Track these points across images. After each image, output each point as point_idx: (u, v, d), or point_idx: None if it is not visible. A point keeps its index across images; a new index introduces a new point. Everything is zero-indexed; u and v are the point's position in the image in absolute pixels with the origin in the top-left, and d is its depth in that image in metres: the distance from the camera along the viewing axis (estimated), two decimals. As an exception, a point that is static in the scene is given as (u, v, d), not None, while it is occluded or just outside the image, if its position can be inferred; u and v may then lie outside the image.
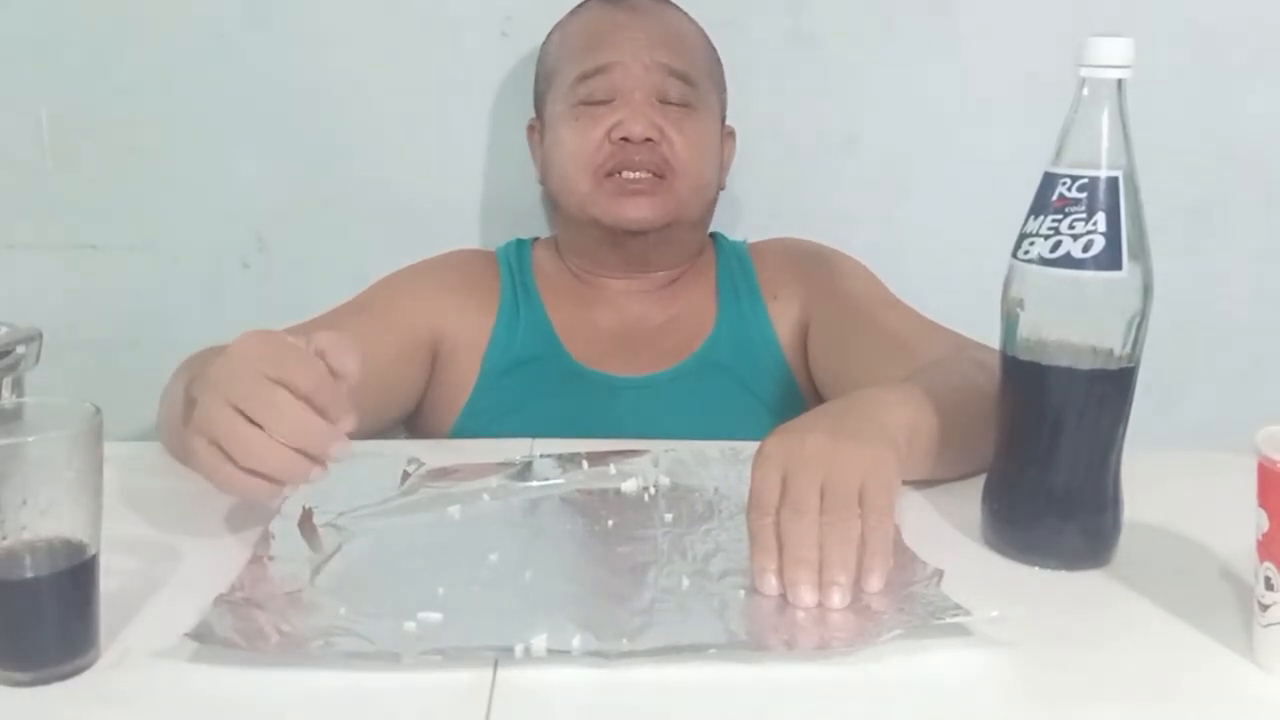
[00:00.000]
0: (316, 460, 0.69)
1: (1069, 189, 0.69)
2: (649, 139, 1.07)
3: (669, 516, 0.80)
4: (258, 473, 0.67)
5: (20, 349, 0.89)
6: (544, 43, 1.18)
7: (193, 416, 0.70)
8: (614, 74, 1.08)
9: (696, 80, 1.11)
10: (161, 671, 0.60)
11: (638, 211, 1.08)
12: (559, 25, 1.16)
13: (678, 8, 1.15)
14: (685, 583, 0.69)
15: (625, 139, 1.07)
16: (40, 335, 0.90)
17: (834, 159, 1.32)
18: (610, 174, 1.08)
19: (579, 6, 1.16)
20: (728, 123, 1.18)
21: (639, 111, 1.07)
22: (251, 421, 0.67)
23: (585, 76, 1.08)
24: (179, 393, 0.85)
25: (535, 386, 1.10)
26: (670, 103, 1.09)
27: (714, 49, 1.16)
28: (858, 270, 1.14)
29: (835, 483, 0.67)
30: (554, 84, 1.13)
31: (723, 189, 1.18)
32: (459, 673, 0.60)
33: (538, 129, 1.18)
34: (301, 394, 0.67)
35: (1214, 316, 1.35)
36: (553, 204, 1.16)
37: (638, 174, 1.07)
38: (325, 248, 1.33)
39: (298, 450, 0.68)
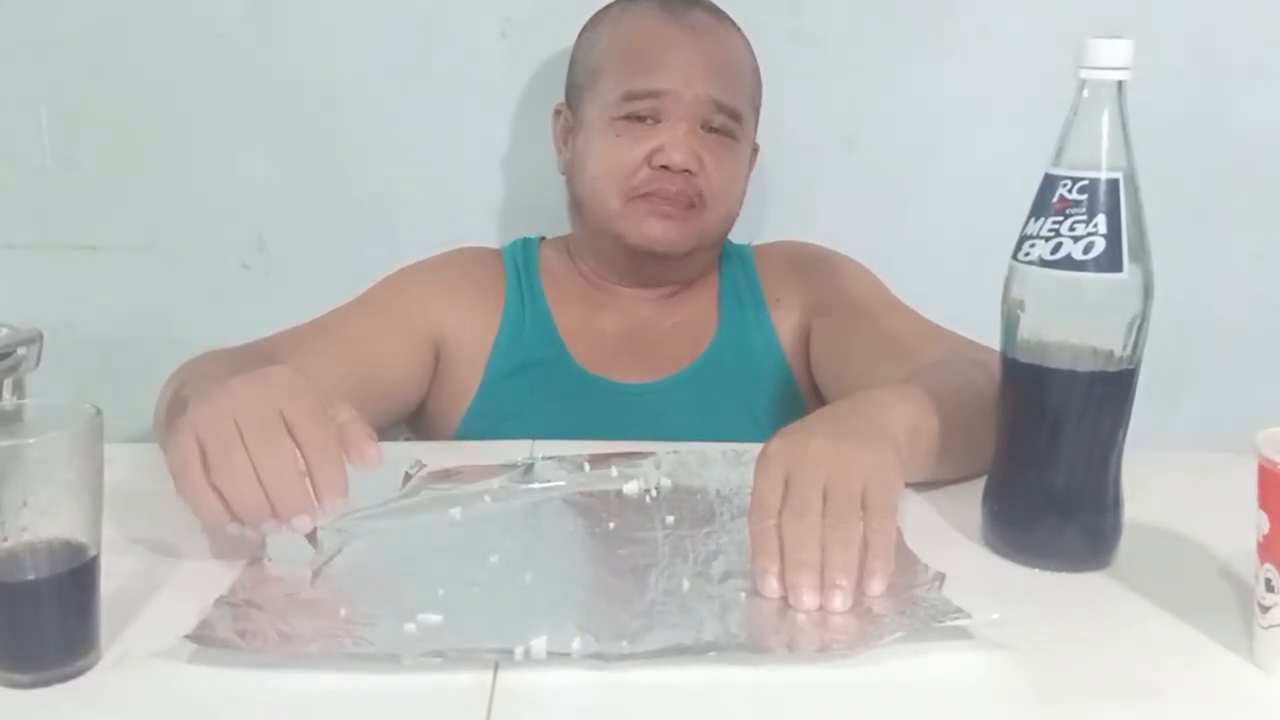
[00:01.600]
0: (277, 515, 0.67)
1: (1069, 191, 0.69)
2: (687, 169, 1.05)
3: (670, 519, 0.80)
4: (220, 494, 0.67)
5: (21, 350, 0.89)
6: (589, 31, 1.14)
7: (191, 411, 0.69)
8: (664, 100, 1.05)
9: (742, 114, 1.09)
10: (161, 673, 0.60)
11: (664, 236, 1.07)
12: (609, 18, 1.12)
13: (734, 26, 1.12)
14: (686, 585, 0.69)
15: (665, 166, 1.05)
16: (40, 336, 0.90)
17: (834, 159, 1.32)
18: (643, 196, 1.06)
19: (632, 2, 1.12)
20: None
21: (682, 141, 1.05)
22: (245, 448, 0.66)
23: (633, 96, 1.06)
24: (174, 391, 0.86)
25: (539, 391, 1.10)
26: (713, 129, 1.07)
27: (758, 72, 1.14)
28: (859, 273, 1.14)
29: (838, 485, 0.67)
30: (597, 86, 1.09)
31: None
32: (459, 675, 0.60)
33: (566, 118, 1.15)
34: (301, 451, 0.67)
35: (1214, 316, 1.35)
36: (576, 204, 1.14)
37: (669, 203, 1.06)
38: (325, 248, 1.33)
39: (268, 498, 0.66)
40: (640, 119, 1.06)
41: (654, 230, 1.07)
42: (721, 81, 1.07)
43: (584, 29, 1.15)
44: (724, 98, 1.07)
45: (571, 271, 1.17)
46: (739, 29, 1.13)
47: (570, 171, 1.14)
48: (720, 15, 1.12)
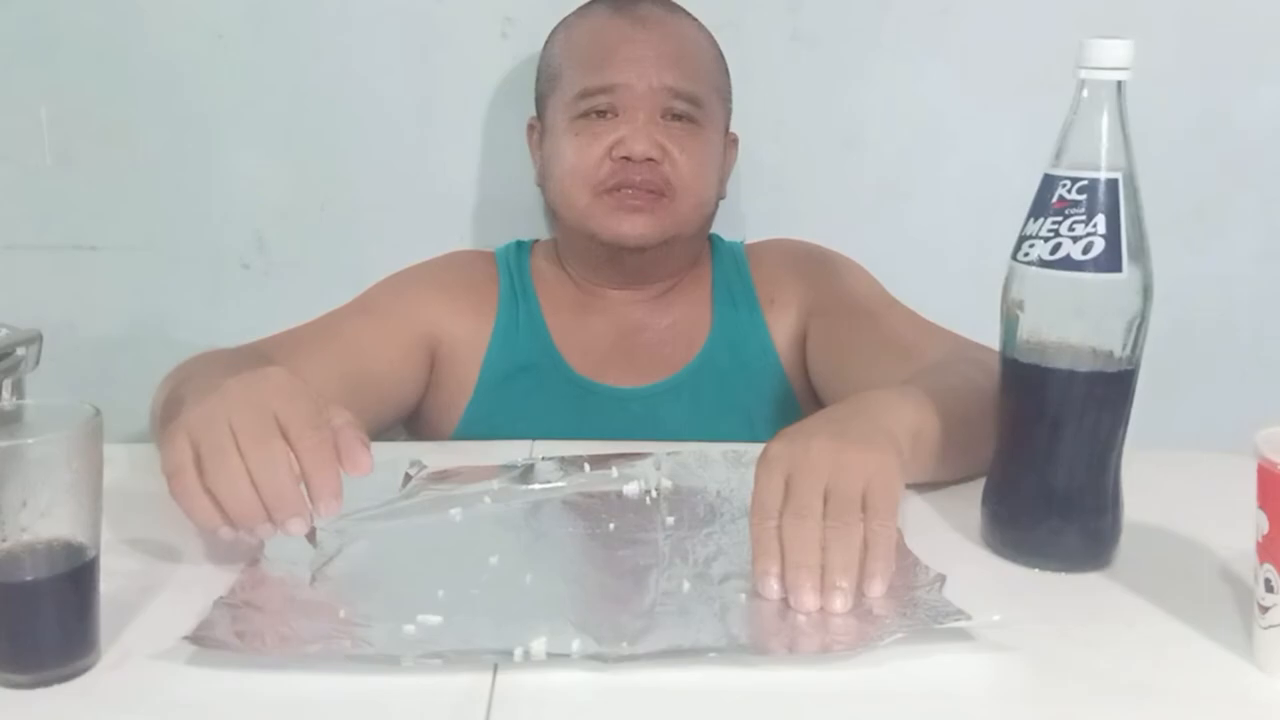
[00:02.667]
0: (273, 519, 0.67)
1: (1069, 191, 0.69)
2: (650, 158, 1.05)
3: (670, 519, 0.80)
4: (214, 497, 0.66)
5: (20, 350, 0.89)
6: (549, 40, 1.16)
7: (185, 413, 0.69)
8: (618, 94, 1.06)
9: (703, 99, 1.09)
10: (161, 674, 0.60)
11: (636, 229, 1.07)
12: (564, 25, 1.14)
13: (686, 15, 1.13)
14: (686, 586, 0.69)
15: (626, 157, 1.05)
16: (40, 337, 0.90)
17: (834, 159, 1.32)
18: (610, 190, 1.06)
19: (586, 6, 1.14)
20: (731, 129, 1.17)
21: (641, 131, 1.05)
22: (238, 450, 0.66)
23: (589, 93, 1.06)
24: (170, 391, 0.86)
25: (533, 395, 1.10)
26: (675, 117, 1.07)
27: (721, 59, 1.14)
28: (856, 272, 1.14)
29: (839, 487, 0.67)
30: (557, 90, 1.11)
31: (723, 198, 1.16)
32: (458, 676, 0.60)
33: (538, 129, 1.16)
34: (296, 454, 0.66)
35: (1214, 316, 1.35)
36: (551, 209, 1.15)
37: (636, 192, 1.06)
38: (325, 248, 1.33)
39: (263, 501, 0.66)
40: (599, 115, 1.07)
41: (624, 225, 1.07)
42: (676, 69, 1.07)
43: (546, 40, 1.16)
44: (679, 84, 1.07)
45: (561, 275, 1.17)
46: (693, 18, 1.13)
47: (542, 177, 1.14)
48: (670, 5, 1.13)
